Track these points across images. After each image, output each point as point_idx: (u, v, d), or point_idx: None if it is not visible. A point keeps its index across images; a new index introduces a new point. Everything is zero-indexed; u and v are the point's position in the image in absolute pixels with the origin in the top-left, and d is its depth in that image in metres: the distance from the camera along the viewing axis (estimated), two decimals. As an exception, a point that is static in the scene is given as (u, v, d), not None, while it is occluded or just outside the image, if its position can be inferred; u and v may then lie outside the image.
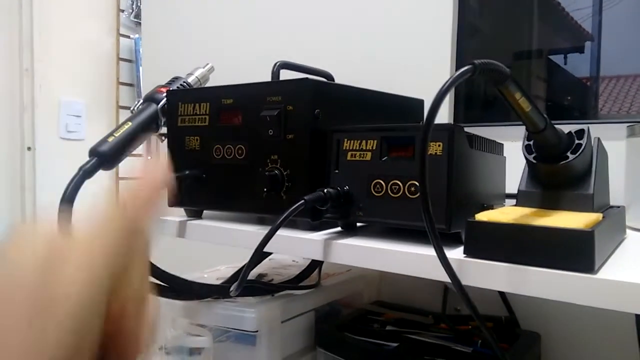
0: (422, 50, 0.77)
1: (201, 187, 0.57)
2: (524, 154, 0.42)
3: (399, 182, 0.43)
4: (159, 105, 0.60)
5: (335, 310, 0.76)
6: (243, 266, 0.66)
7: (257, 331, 0.59)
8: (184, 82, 0.65)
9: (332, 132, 0.48)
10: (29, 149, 1.75)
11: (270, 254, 0.66)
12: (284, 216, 0.42)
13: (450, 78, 0.30)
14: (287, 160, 0.50)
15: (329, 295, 0.71)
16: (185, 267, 0.68)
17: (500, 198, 0.52)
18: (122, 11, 1.96)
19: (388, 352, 0.60)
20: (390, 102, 0.62)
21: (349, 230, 0.49)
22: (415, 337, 0.63)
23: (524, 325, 0.67)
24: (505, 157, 0.53)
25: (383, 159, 0.44)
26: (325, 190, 0.44)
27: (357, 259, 0.42)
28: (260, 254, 0.42)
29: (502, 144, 0.53)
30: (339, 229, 0.50)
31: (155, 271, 0.54)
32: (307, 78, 0.48)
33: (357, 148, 0.46)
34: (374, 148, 0.45)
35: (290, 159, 0.50)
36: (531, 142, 0.42)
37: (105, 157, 0.55)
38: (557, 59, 0.98)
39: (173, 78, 0.66)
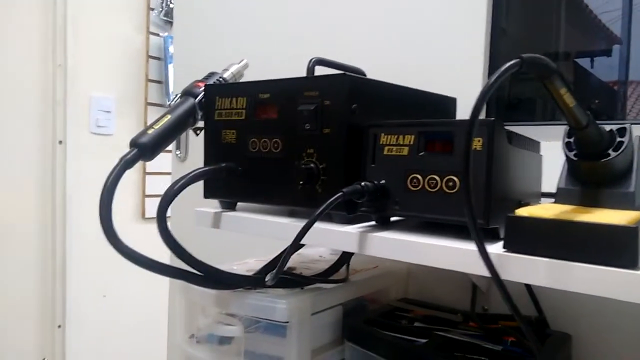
0: (454, 49, 0.77)
1: (236, 179, 0.59)
2: (564, 151, 0.42)
3: (436, 177, 0.43)
4: (197, 100, 0.62)
5: (362, 306, 0.77)
6: (274, 258, 0.68)
7: (287, 322, 0.60)
8: (220, 77, 0.66)
9: (369, 127, 0.48)
10: (60, 142, 1.80)
11: (302, 246, 0.67)
12: (322, 208, 0.42)
13: (497, 71, 0.31)
14: (323, 154, 0.51)
15: (357, 290, 0.72)
16: (214, 259, 0.69)
17: (536, 196, 0.52)
18: (152, 9, 2.00)
19: (417, 348, 0.60)
20: (424, 99, 0.63)
21: (384, 224, 0.50)
22: (445, 334, 0.63)
23: (553, 326, 0.66)
24: (541, 155, 0.53)
25: (420, 154, 0.45)
26: (363, 183, 0.45)
27: (395, 251, 0.42)
28: (297, 245, 0.43)
29: (539, 142, 0.52)
30: (373, 223, 0.51)
31: (190, 259, 0.55)
32: (344, 73, 0.49)
33: (394, 143, 0.46)
34: (412, 143, 0.45)
35: (326, 152, 0.51)
36: (572, 139, 0.42)
37: (146, 148, 0.57)
38: (584, 62, 0.96)
39: (209, 73, 0.67)
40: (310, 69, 0.60)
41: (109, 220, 0.53)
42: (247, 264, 0.79)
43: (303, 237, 0.43)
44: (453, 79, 0.73)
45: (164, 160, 2.12)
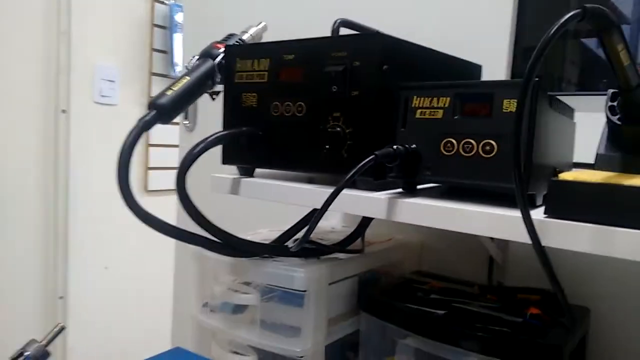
0: (480, 14, 0.74)
1: (257, 144, 0.57)
2: (607, 115, 0.41)
3: (472, 141, 0.42)
4: (216, 61, 0.60)
5: (376, 278, 0.76)
6: (291, 227, 0.67)
7: (305, 291, 0.59)
8: (239, 39, 0.64)
9: (400, 89, 0.46)
10: (63, 111, 1.77)
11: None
12: (353, 171, 0.41)
13: (559, 21, 0.29)
14: (350, 117, 0.49)
15: (372, 261, 0.71)
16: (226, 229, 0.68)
17: (569, 166, 0.50)
18: (158, -23, 1.95)
19: (437, 319, 0.59)
20: (451, 64, 0.61)
21: (411, 191, 0.48)
22: (463, 306, 0.62)
23: (571, 301, 0.65)
24: (575, 122, 0.51)
25: (455, 117, 0.43)
26: (395, 146, 0.43)
27: (429, 218, 0.41)
28: (325, 211, 0.42)
29: (574, 109, 0.51)
30: (398, 190, 0.50)
31: (210, 226, 0.54)
32: (377, 32, 0.47)
33: (428, 105, 0.45)
34: (446, 105, 0.43)
35: (354, 116, 0.49)
36: (615, 103, 0.40)
37: (164, 109, 0.55)
38: (591, 42, 0.94)
39: (228, 35, 0.65)
40: (335, 30, 0.58)
41: (127, 183, 0.51)
42: (261, 234, 0.78)
43: (332, 202, 0.41)
44: (477, 45, 0.71)
45: (167, 132, 2.10)
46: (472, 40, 0.72)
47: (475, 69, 0.66)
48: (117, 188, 0.51)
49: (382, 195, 0.45)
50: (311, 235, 0.74)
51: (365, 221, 0.68)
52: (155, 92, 2.07)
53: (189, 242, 0.55)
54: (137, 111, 2.00)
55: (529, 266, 0.74)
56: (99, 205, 1.89)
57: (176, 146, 1.54)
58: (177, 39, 1.99)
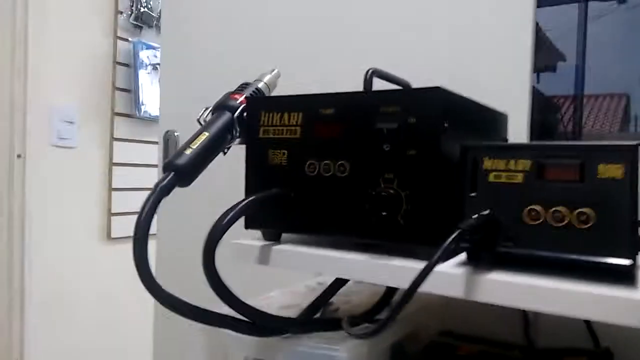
0: (499, 64, 0.72)
1: (287, 207, 0.50)
2: None
3: (563, 209, 0.37)
4: (235, 114, 0.53)
5: (400, 345, 0.69)
6: (322, 294, 0.59)
7: (344, 372, 0.52)
8: (256, 88, 0.58)
9: (467, 149, 0.42)
10: (18, 156, 1.63)
11: (347, 281, 0.60)
12: (444, 246, 0.35)
13: None
14: (406, 179, 0.44)
15: (403, 328, 0.64)
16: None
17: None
18: (121, 13, 1.87)
19: (490, 394, 0.53)
20: (486, 115, 0.57)
21: (475, 262, 0.43)
22: (511, 375, 0.57)
23: (617, 358, 0.62)
24: None
25: (539, 182, 0.39)
26: (476, 216, 0.38)
27: (521, 299, 0.36)
28: (414, 291, 0.36)
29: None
30: (461, 259, 0.44)
31: (241, 306, 0.47)
32: (438, 87, 0.42)
33: (504, 168, 0.40)
34: (528, 169, 0.39)
35: (411, 178, 0.44)
36: None
37: (184, 171, 0.48)
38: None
39: (242, 85, 0.59)
40: (368, 82, 0.53)
41: (146, 262, 0.43)
42: (273, 299, 0.70)
43: (422, 282, 0.35)
44: (500, 93, 0.68)
45: (130, 175, 1.98)
46: (494, 87, 0.70)
47: (503, 118, 0.63)
48: (134, 267, 0.43)
49: (458, 270, 0.40)
50: (333, 300, 0.68)
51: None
52: (118, 132, 1.96)
53: (218, 326, 0.47)
54: (98, 154, 1.87)
55: (560, 323, 0.70)
56: (59, 257, 1.74)
57: (141, 189, 1.43)
58: (142, 77, 1.90)
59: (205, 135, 0.51)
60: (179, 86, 1.10)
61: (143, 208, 0.44)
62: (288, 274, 0.78)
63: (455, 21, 0.76)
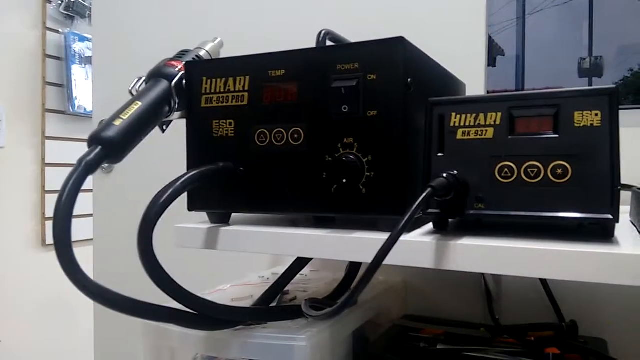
0: (455, 34, 0.70)
1: (236, 184, 0.45)
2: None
3: (537, 164, 0.34)
4: (173, 82, 0.47)
5: (362, 331, 0.66)
6: (274, 284, 0.54)
7: (306, 363, 0.47)
8: (197, 55, 0.52)
9: (433, 105, 0.38)
10: None
11: (305, 264, 0.55)
12: (412, 209, 0.31)
13: None
14: (367, 143, 0.40)
15: (365, 313, 0.60)
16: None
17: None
18: (50, 2, 1.73)
19: (460, 376, 0.50)
20: (447, 80, 0.54)
21: (443, 229, 0.40)
22: (480, 354, 0.54)
23: (587, 332, 0.60)
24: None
25: (510, 136, 0.35)
26: (446, 174, 0.35)
27: (513, 265, 0.32)
28: (379, 265, 0.31)
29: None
30: (428, 228, 0.41)
31: (186, 296, 0.41)
32: (400, 37, 0.38)
33: (472, 124, 0.37)
34: (498, 123, 0.36)
35: (373, 142, 0.39)
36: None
37: (113, 144, 0.41)
38: None
39: (181, 52, 0.53)
40: (321, 44, 0.49)
41: (69, 249, 0.37)
42: (225, 292, 0.64)
43: (388, 254, 0.31)
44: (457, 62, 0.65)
45: (65, 176, 1.85)
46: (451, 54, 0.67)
47: (462, 86, 0.60)
48: (57, 259, 0.36)
49: (426, 239, 0.36)
50: (290, 287, 0.63)
51: (356, 267, 0.58)
52: (50, 130, 1.82)
53: (158, 320, 0.41)
54: (28, 153, 1.73)
55: (523, 299, 0.69)
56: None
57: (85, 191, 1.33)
58: (76, 70, 1.77)
59: (137, 104, 0.44)
60: (113, 75, 1.02)
61: (64, 187, 0.38)
62: (241, 267, 0.72)
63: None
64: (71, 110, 1.76)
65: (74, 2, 1.73)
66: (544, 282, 0.63)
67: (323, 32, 0.49)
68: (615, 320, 0.62)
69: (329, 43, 0.49)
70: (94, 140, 0.41)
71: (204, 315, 0.43)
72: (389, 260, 0.33)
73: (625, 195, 0.41)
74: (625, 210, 0.40)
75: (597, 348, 0.57)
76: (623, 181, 0.34)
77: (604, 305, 0.63)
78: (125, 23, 1.02)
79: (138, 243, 0.39)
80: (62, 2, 1.73)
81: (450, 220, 0.40)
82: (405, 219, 0.31)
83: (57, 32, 1.76)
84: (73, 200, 0.38)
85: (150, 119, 0.45)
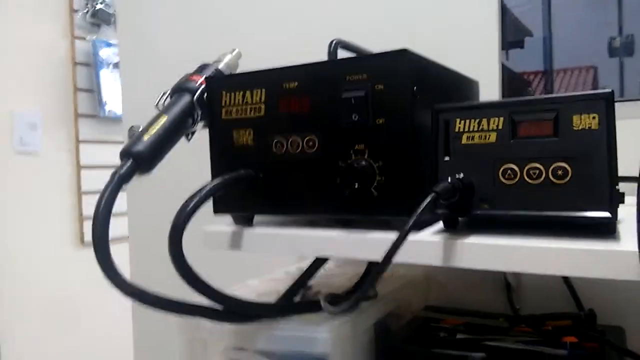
0: (467, 31, 0.71)
1: (257, 189, 0.48)
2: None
3: (539, 166, 0.36)
4: (195, 96, 0.50)
5: (385, 323, 0.68)
6: (300, 278, 0.58)
7: (329, 353, 0.50)
8: (215, 69, 0.55)
9: (438, 112, 0.40)
10: (-21, 165, 1.56)
11: (325, 262, 0.58)
12: (417, 212, 0.34)
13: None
14: (377, 150, 0.42)
15: (387, 306, 0.63)
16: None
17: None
18: (76, 11, 1.80)
19: (478, 364, 0.52)
20: (458, 82, 0.56)
21: (453, 228, 0.42)
22: (497, 343, 0.56)
23: (605, 321, 0.61)
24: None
25: (513, 140, 0.37)
26: (450, 179, 0.37)
27: (510, 261, 0.34)
28: (389, 263, 0.34)
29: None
30: (439, 227, 0.43)
31: (211, 292, 0.44)
32: (404, 49, 0.40)
33: (476, 129, 0.39)
34: (500, 127, 0.38)
35: (383, 147, 0.42)
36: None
37: (143, 158, 0.45)
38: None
39: (201, 66, 0.56)
40: (333, 53, 0.51)
41: (107, 253, 0.41)
42: (252, 287, 0.68)
43: (395, 252, 0.34)
44: (469, 60, 0.66)
45: (100, 177, 1.92)
46: (464, 53, 0.68)
47: (474, 85, 0.62)
48: (96, 262, 0.40)
49: (435, 238, 0.38)
50: (313, 282, 0.66)
51: (374, 263, 0.60)
52: (83, 134, 1.89)
53: (188, 315, 0.45)
54: (64, 157, 1.81)
55: (543, 288, 0.70)
56: (31, 265, 1.68)
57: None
58: (104, 76, 1.84)
59: (164, 118, 0.48)
60: (140, 79, 1.06)
61: (101, 198, 0.42)
62: (269, 263, 0.76)
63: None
64: (102, 114, 1.83)
65: (98, 10, 1.79)
66: (561, 272, 0.64)
67: (334, 41, 0.51)
68: (633, 309, 0.63)
69: (340, 51, 0.52)
70: (125, 154, 0.45)
71: (231, 309, 0.47)
72: (399, 258, 0.36)
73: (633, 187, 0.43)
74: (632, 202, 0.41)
75: (614, 336, 0.58)
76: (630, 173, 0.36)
77: (623, 294, 0.63)
78: (148, 29, 1.06)
79: (169, 249, 0.42)
80: (88, 10, 1.79)
81: (460, 218, 0.43)
82: (410, 222, 0.33)
83: (84, 39, 1.82)
84: (109, 211, 0.42)
85: (176, 131, 0.49)
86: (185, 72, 0.57)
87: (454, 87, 0.53)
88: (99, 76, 1.83)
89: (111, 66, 1.84)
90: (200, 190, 0.45)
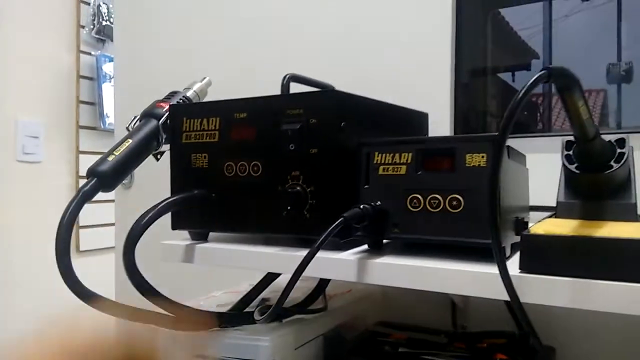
0: (420, 64, 0.77)
1: (210, 207, 0.54)
2: (564, 164, 0.42)
3: (438, 196, 0.41)
4: (160, 121, 0.56)
5: (338, 334, 0.73)
6: (251, 291, 0.63)
7: (271, 360, 0.55)
8: (183, 96, 0.61)
9: (361, 146, 0.46)
10: (-18, 172, 1.63)
11: (278, 276, 0.63)
12: (323, 236, 0.39)
13: (526, 84, 0.29)
14: (310, 176, 0.48)
15: (336, 318, 0.68)
16: (175, 294, 0.63)
17: (526, 210, 0.51)
18: (83, 27, 1.88)
19: (409, 375, 0.57)
20: (401, 115, 0.61)
21: (376, 249, 0.47)
22: (433, 358, 0.61)
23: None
24: (527, 168, 0.53)
25: (419, 173, 0.42)
26: (362, 206, 0.42)
27: (404, 279, 0.39)
28: (299, 277, 0.39)
29: (525, 155, 0.52)
30: (363, 247, 0.48)
31: (160, 299, 0.50)
32: (332, 89, 0.46)
33: (390, 162, 0.44)
34: (409, 161, 0.43)
35: (314, 174, 0.47)
36: (571, 152, 0.41)
37: (106, 177, 0.50)
38: (506, 76, 1.02)
39: (170, 93, 0.62)
40: (285, 86, 0.57)
41: (67, 261, 0.46)
42: (216, 298, 0.73)
43: (305, 268, 0.39)
44: (420, 94, 0.72)
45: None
46: (415, 88, 0.74)
47: (423, 117, 0.67)
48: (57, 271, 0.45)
49: (351, 257, 0.44)
50: (269, 294, 0.71)
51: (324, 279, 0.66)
52: (83, 145, 1.97)
53: (140, 321, 0.50)
54: (64, 167, 1.88)
55: (489, 307, 0.74)
56: (28, 273, 1.74)
57: (110, 201, 1.44)
58: (106, 89, 1.92)
59: (128, 142, 0.54)
60: (134, 94, 1.13)
61: (65, 212, 0.47)
62: (238, 275, 0.81)
63: (377, 27, 0.81)
64: (102, 126, 1.90)
65: (104, 26, 1.87)
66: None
67: (287, 76, 0.57)
68: (564, 330, 0.67)
69: (292, 85, 0.58)
70: (90, 173, 0.50)
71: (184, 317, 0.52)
72: (320, 274, 0.41)
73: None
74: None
75: (544, 355, 0.62)
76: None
77: (556, 316, 0.68)
78: (143, 45, 1.13)
79: (123, 259, 0.48)
80: (94, 26, 1.88)
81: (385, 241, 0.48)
82: (318, 243, 0.38)
83: (89, 54, 1.90)
84: (72, 223, 0.47)
85: (140, 154, 0.55)
86: (175, 88, 0.63)
87: (390, 119, 0.59)
88: (101, 89, 1.90)
89: (113, 80, 1.91)
90: (155, 206, 0.50)
